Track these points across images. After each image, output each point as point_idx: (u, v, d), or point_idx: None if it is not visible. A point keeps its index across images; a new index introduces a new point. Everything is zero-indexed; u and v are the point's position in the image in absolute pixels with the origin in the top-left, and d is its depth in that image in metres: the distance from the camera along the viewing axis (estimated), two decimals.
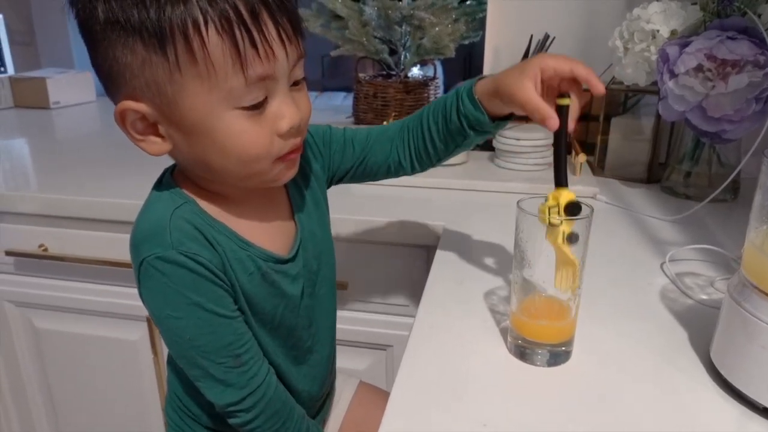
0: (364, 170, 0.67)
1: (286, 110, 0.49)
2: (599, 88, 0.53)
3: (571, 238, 0.47)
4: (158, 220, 0.51)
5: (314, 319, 0.64)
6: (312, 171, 0.64)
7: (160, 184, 0.55)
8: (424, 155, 0.65)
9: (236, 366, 0.53)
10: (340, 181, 0.69)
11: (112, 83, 0.48)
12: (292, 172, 0.55)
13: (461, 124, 0.59)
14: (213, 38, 0.44)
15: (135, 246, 0.51)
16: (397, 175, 0.68)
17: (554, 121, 0.52)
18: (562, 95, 0.54)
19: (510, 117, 0.59)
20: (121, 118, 0.49)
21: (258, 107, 0.48)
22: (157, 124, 0.49)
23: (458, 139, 0.61)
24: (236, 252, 0.53)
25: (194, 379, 0.55)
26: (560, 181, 0.50)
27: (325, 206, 0.67)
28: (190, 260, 0.50)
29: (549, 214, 0.48)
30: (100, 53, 0.47)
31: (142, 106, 0.48)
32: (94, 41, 0.47)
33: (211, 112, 0.47)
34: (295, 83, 0.51)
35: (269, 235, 0.57)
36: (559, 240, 0.47)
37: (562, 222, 0.47)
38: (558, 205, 0.48)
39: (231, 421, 0.56)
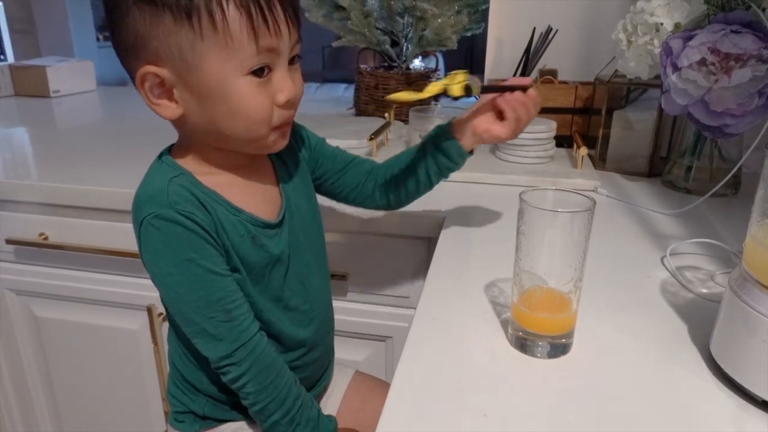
0: (337, 182, 0.75)
1: (285, 84, 0.57)
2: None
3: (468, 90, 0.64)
4: (158, 185, 0.57)
5: (305, 283, 0.68)
6: (300, 155, 0.72)
7: (159, 160, 0.61)
8: (393, 186, 0.74)
9: (227, 320, 0.58)
10: (315, 181, 0.75)
11: (135, 52, 0.54)
12: (284, 142, 0.62)
13: (431, 148, 0.71)
14: (232, 12, 0.52)
15: (136, 208, 0.57)
16: (363, 203, 0.77)
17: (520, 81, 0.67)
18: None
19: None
20: (141, 81, 0.55)
21: (264, 74, 0.55)
22: (173, 89, 0.55)
23: (427, 163, 0.71)
24: (228, 216, 0.59)
25: (191, 336, 0.59)
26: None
27: (311, 186, 0.73)
28: (185, 219, 0.55)
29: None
30: (126, 25, 0.53)
31: (163, 71, 0.54)
32: (122, 14, 0.53)
33: (226, 77, 0.54)
34: (292, 62, 0.58)
35: (257, 203, 0.63)
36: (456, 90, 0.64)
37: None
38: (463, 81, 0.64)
39: (224, 378, 0.60)
